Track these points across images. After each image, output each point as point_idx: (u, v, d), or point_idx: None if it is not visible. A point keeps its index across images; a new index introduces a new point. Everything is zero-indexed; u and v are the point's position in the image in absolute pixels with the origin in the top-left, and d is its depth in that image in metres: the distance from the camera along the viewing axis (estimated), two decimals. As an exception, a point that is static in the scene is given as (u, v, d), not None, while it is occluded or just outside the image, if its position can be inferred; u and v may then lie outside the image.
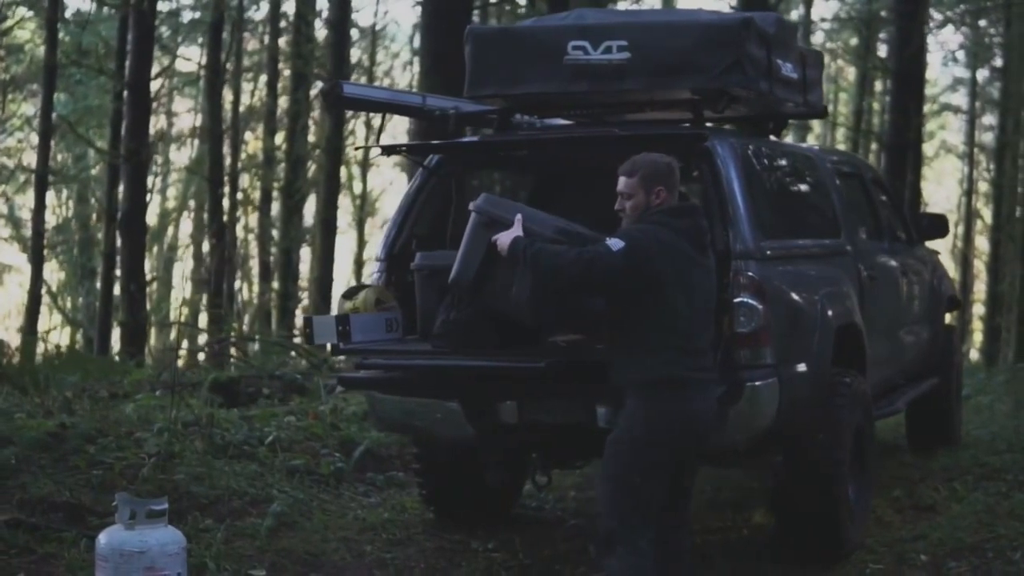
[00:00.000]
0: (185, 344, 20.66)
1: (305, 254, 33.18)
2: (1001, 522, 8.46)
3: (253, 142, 36.16)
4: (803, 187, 8.65)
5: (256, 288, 35.91)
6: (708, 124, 7.98)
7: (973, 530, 8.34)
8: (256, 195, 34.62)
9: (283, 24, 31.56)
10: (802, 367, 7.34)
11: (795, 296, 7.45)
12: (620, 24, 7.81)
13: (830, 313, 7.75)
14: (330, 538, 8.15)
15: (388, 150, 8.18)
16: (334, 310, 7.95)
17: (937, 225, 10.81)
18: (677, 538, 6.18)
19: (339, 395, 11.86)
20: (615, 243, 5.86)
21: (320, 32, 28.83)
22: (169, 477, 8.54)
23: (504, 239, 6.22)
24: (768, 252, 7.22)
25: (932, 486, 9.65)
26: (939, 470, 10.23)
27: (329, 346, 7.57)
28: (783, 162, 8.36)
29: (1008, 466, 10.20)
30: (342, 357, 13.44)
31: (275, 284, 30.23)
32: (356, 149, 12.58)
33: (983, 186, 44.08)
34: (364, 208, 39.04)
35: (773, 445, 7.46)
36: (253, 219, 36.01)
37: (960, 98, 44.69)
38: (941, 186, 46.34)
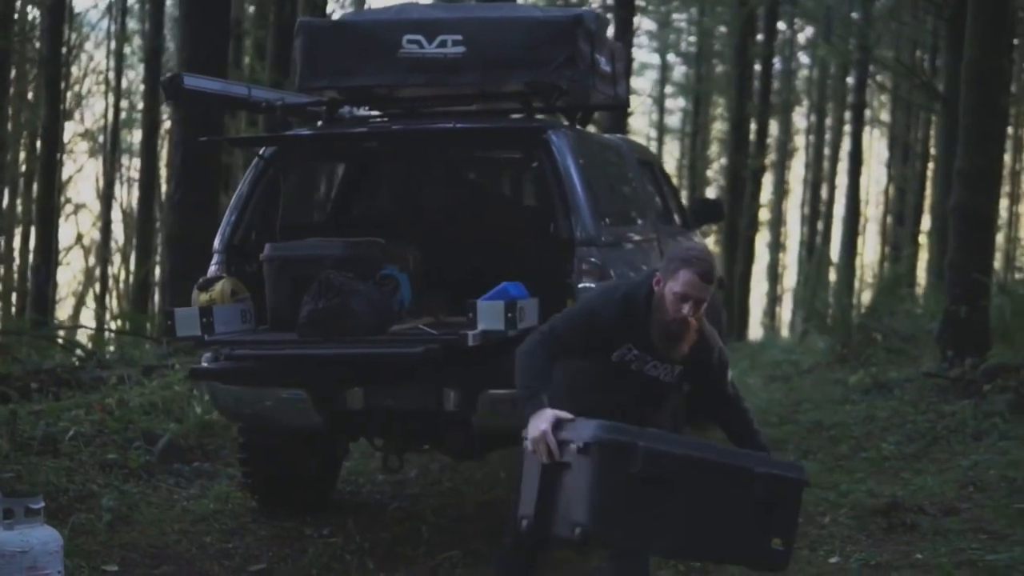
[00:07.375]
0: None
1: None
2: (800, 489, 9.01)
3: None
4: (618, 176, 9.01)
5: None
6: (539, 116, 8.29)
7: (776, 497, 8.85)
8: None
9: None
10: (635, 349, 7.68)
11: (628, 281, 7.76)
12: (454, 19, 7.98)
13: (652, 296, 8.13)
14: (167, 531, 8.11)
15: (235, 143, 8.16)
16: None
17: (712, 210, 11.34)
18: None
19: (118, 387, 11.69)
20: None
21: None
22: (-10, 476, 8.35)
23: None
24: (603, 239, 7.53)
25: (722, 457, 10.16)
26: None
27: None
28: (602, 152, 8.71)
29: (787, 437, 10.86)
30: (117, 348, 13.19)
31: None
32: (202, 141, 12.14)
33: (668, 170, 45.81)
34: (61, 194, 37.94)
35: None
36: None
37: (644, 83, 46.45)
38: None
